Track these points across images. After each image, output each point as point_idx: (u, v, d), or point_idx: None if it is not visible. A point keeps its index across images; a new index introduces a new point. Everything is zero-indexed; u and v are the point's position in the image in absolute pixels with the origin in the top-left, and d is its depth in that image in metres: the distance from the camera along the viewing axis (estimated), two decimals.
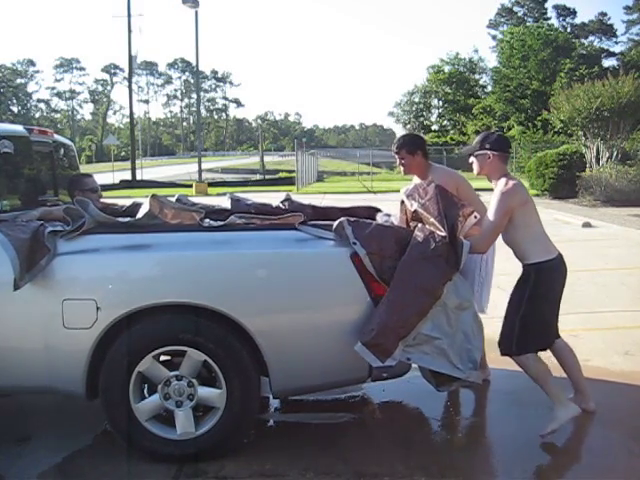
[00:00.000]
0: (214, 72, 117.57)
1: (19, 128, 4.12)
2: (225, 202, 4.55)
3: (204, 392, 3.39)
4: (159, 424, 3.42)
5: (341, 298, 3.43)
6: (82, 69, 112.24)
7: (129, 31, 35.64)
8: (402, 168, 4.42)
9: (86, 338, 3.27)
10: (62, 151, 4.64)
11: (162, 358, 3.44)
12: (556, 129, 34.02)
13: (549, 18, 70.97)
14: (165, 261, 3.38)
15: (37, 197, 4.15)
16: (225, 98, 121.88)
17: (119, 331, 3.30)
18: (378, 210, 4.56)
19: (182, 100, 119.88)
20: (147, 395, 3.46)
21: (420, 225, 3.54)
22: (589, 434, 3.95)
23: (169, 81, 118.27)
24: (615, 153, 20.60)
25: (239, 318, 3.28)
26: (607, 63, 60.60)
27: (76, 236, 3.36)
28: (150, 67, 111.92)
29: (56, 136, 4.56)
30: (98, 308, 3.24)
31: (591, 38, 70.71)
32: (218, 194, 28.75)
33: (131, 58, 37.12)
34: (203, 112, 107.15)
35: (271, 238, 3.47)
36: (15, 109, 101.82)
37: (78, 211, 3.43)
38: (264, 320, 3.34)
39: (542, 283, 3.69)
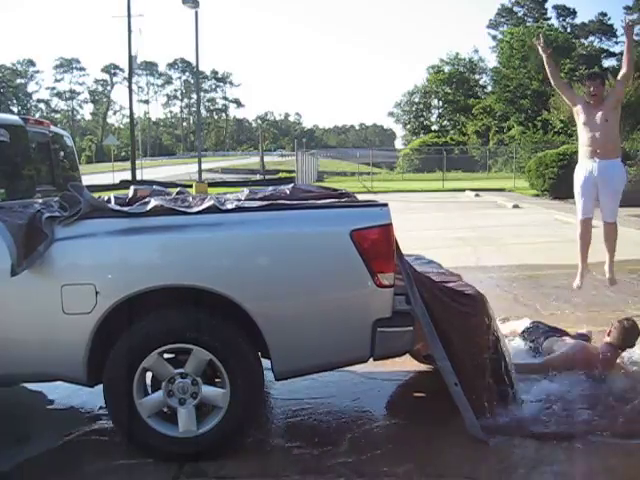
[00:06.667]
0: (214, 72, 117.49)
1: (15, 117, 4.13)
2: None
3: (208, 391, 3.36)
4: (161, 421, 3.40)
5: (341, 277, 3.40)
6: (82, 69, 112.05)
7: (129, 31, 35.62)
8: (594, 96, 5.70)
9: (86, 323, 3.25)
10: (59, 142, 4.62)
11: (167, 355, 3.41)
12: (556, 129, 34.10)
13: (549, 18, 71.17)
14: (164, 244, 3.35)
15: (34, 187, 4.13)
16: (225, 98, 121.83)
17: (120, 318, 3.28)
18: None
19: (182, 100, 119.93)
20: (150, 392, 3.44)
21: None
22: None
23: (169, 81, 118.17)
24: None
25: (238, 299, 3.26)
26: (607, 63, 60.76)
27: (74, 221, 3.32)
28: (150, 67, 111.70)
29: (53, 127, 4.54)
30: (97, 293, 3.22)
31: (591, 38, 70.81)
32: (218, 194, 28.76)
33: (131, 58, 37.09)
34: (203, 112, 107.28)
35: (268, 219, 3.44)
36: (15, 109, 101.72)
37: (74, 196, 3.39)
38: (263, 300, 3.32)
39: None
